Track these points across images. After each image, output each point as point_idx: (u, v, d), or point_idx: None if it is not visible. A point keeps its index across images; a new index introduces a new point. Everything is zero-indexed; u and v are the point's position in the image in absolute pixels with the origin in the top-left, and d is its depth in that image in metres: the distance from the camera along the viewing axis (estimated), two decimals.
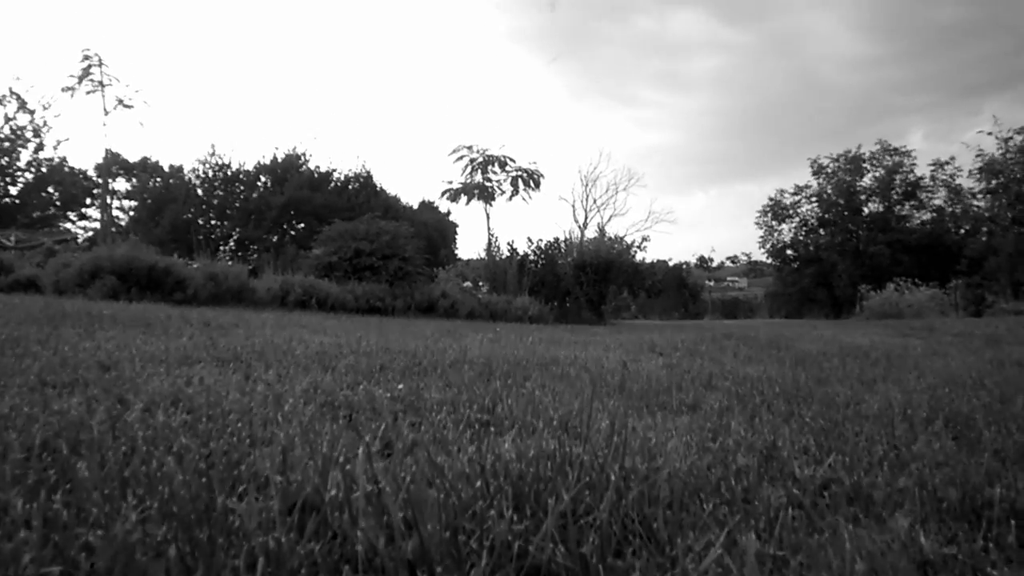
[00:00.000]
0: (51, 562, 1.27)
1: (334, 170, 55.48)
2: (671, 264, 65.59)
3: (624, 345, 7.41)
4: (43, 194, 44.44)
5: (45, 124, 41.70)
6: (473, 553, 1.42)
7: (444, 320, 8.68)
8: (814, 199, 34.69)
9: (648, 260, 56.57)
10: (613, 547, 1.57)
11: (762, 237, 36.22)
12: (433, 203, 74.06)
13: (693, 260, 69.63)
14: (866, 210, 33.09)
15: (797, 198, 35.37)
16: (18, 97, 39.63)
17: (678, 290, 48.16)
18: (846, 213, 33.11)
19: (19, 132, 39.91)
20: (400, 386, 3.66)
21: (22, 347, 4.32)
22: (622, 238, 42.09)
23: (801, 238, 34.23)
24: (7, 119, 39.17)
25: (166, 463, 1.84)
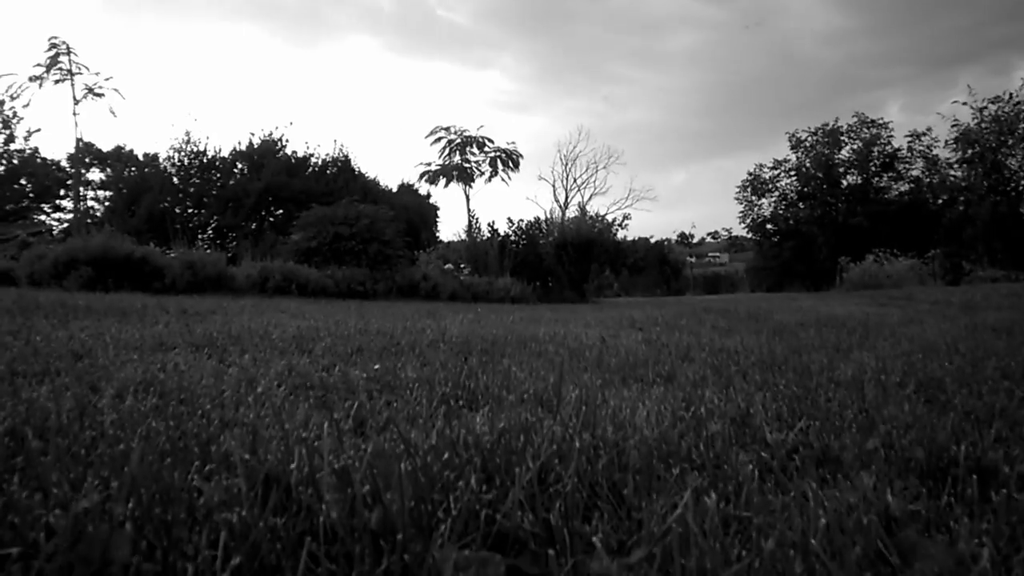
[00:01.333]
0: (11, 543, 1.26)
1: (312, 155, 55.02)
2: (652, 241, 65.94)
3: (604, 322, 7.44)
4: (15, 186, 43.80)
5: (15, 115, 41.09)
6: (440, 522, 1.42)
7: (425, 302, 8.65)
8: (793, 173, 34.83)
9: (630, 238, 56.92)
10: (581, 513, 1.58)
11: (742, 212, 36.37)
12: (413, 186, 73.59)
13: (674, 237, 69.91)
14: (845, 183, 33.27)
15: (776, 172, 35.53)
16: None
17: (660, 267, 48.36)
18: (825, 186, 33.28)
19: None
20: (376, 366, 3.66)
21: None
22: (603, 216, 42.08)
23: (781, 212, 34.38)
24: None
25: (132, 445, 1.83)
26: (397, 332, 5.35)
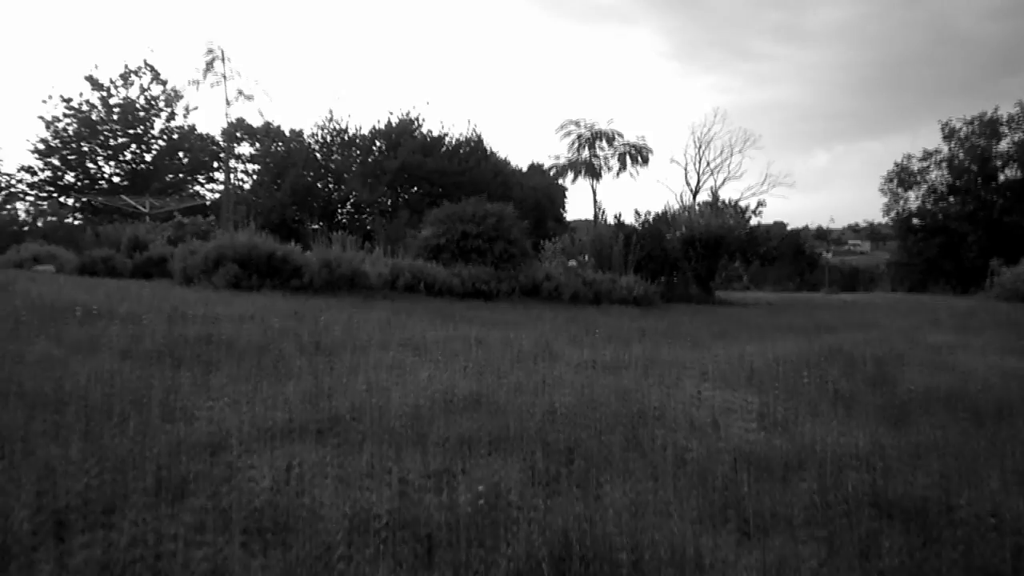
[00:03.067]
0: None
1: (446, 134, 56.16)
2: (788, 229, 63.38)
3: (718, 368, 7.19)
4: (174, 161, 46.89)
5: (176, 94, 43.96)
6: None
7: (546, 305, 8.70)
8: (944, 165, 32.73)
9: (763, 224, 54.66)
10: None
11: (887, 204, 34.56)
12: (543, 166, 74.06)
13: (812, 227, 66.64)
14: (1002, 177, 30.97)
15: (926, 164, 33.47)
16: (152, 68, 41.89)
17: (794, 257, 46.57)
18: (980, 180, 31.10)
19: (153, 102, 42.23)
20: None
21: (115, 422, 4.67)
22: (736, 203, 41.38)
23: (929, 207, 32.40)
24: (143, 90, 41.51)
25: None
26: (502, 400, 5.43)
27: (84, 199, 30.12)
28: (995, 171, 31.37)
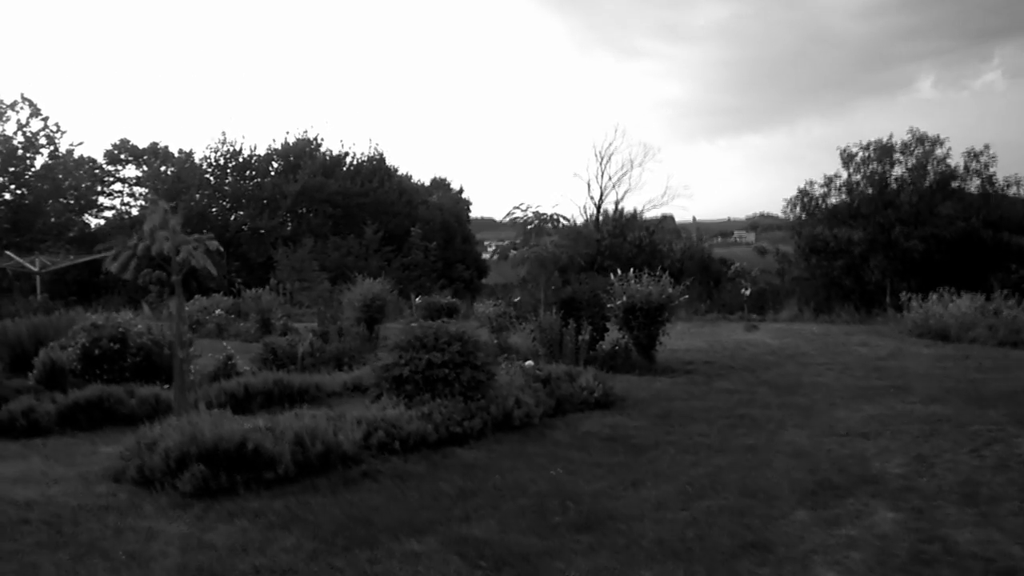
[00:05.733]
0: None
1: (347, 153, 54.73)
2: (689, 239, 64.38)
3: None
4: (59, 201, 43.46)
5: (59, 129, 40.81)
6: None
7: (523, 448, 7.75)
8: (843, 189, 33.93)
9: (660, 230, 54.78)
10: None
11: (792, 228, 35.54)
12: (446, 180, 73.32)
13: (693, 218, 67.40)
14: (898, 202, 32.29)
15: (825, 190, 34.63)
16: (31, 103, 38.81)
17: (700, 273, 46.95)
18: (878, 205, 32.35)
19: (33, 138, 39.16)
20: None
21: None
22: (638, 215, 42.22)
23: (831, 230, 33.49)
24: (20, 125, 38.43)
25: None
26: None
27: None
28: (893, 196, 32.68)
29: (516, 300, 19.29)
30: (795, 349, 18.75)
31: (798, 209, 35.06)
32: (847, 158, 34.36)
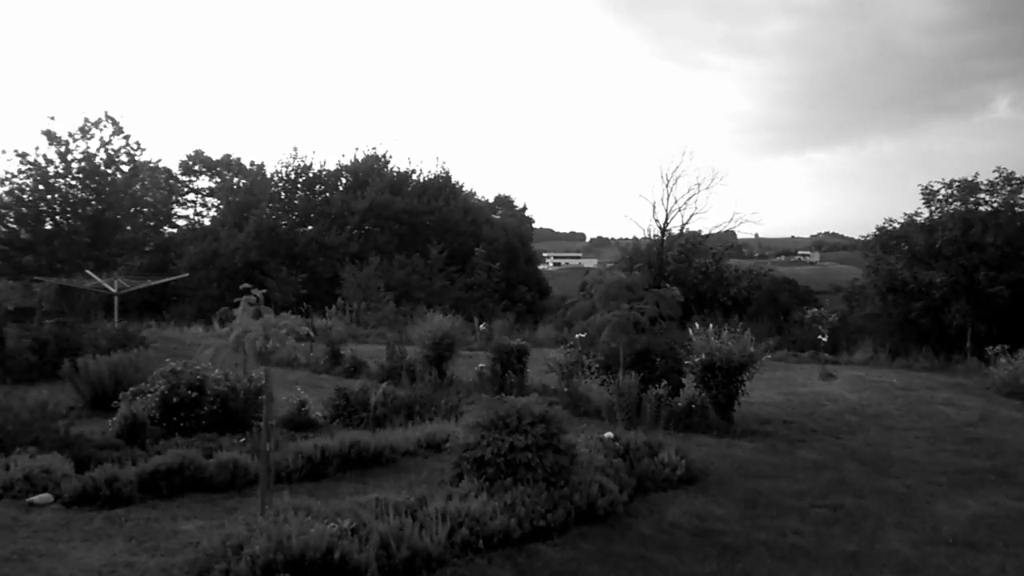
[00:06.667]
0: None
1: (413, 171, 55.17)
2: (757, 269, 62.61)
3: None
4: (137, 213, 44.66)
5: (139, 147, 42.01)
6: None
7: (609, 552, 7.42)
8: (924, 229, 32.69)
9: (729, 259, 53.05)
10: None
11: (869, 267, 34.39)
12: (509, 197, 73.48)
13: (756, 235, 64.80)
14: (983, 244, 30.95)
15: (907, 229, 33.41)
16: (113, 121, 40.05)
17: (768, 304, 45.59)
18: (961, 247, 31.07)
19: (114, 155, 40.37)
20: None
21: None
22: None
23: (911, 271, 32.27)
24: (103, 143, 39.67)
25: None
26: None
27: (39, 279, 28.39)
28: (977, 237, 31.36)
29: (580, 335, 19.03)
30: (877, 407, 18.00)
31: (878, 248, 33.97)
32: (929, 195, 33.15)
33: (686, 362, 14.81)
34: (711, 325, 15.94)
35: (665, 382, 14.15)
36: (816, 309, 30.73)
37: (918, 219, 33.14)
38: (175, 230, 53.47)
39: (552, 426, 8.49)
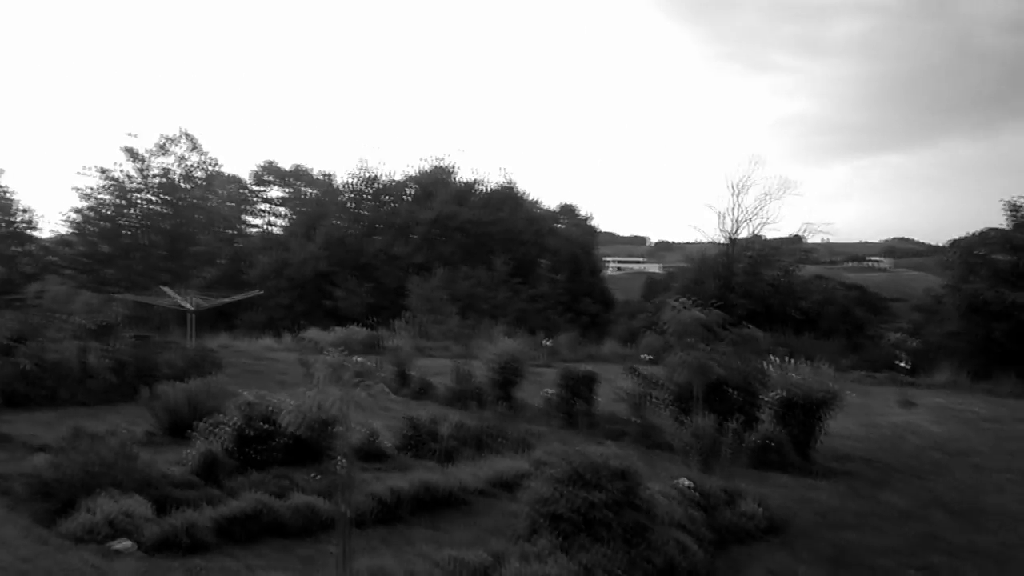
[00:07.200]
0: None
1: (477, 181, 55.23)
2: (825, 276, 60.73)
3: None
4: (212, 228, 45.83)
5: (216, 163, 43.20)
6: None
7: None
8: (1008, 246, 31.33)
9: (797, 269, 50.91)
10: None
11: (948, 284, 33.16)
12: (573, 206, 72.94)
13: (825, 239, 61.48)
14: None
15: (989, 244, 32.12)
16: (189, 137, 41.27)
17: (841, 319, 44.07)
18: None
19: (191, 170, 41.56)
20: None
21: None
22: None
23: (995, 292, 30.93)
24: (180, 159, 40.92)
25: None
26: None
27: (118, 292, 29.37)
28: None
29: (646, 356, 18.57)
30: (963, 442, 17.25)
31: (958, 264, 32.72)
32: (1013, 210, 31.81)
33: (762, 397, 14.40)
34: (789, 359, 15.51)
35: (740, 415, 13.76)
36: (897, 334, 29.51)
37: (997, 231, 31.85)
38: (246, 240, 54.65)
39: (631, 482, 8.27)
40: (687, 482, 10.23)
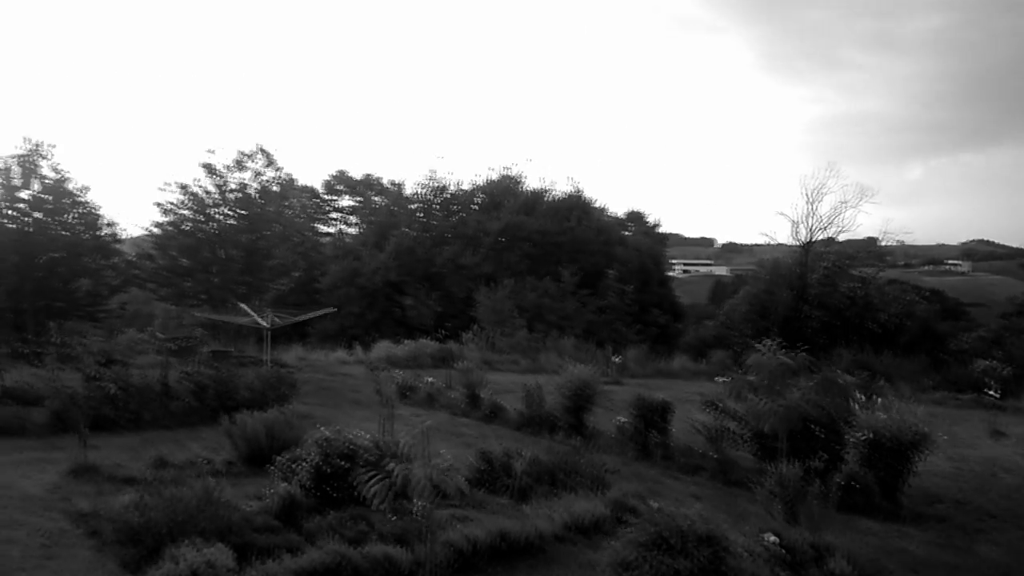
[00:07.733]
0: None
1: (545, 190, 55.01)
2: (901, 281, 58.33)
3: None
4: (288, 241, 46.70)
5: (292, 179, 44.12)
6: None
7: None
8: None
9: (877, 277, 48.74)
10: None
11: None
12: (641, 213, 72.09)
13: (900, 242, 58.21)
14: None
15: None
16: (265, 152, 42.19)
17: (922, 335, 42.42)
18: None
19: (267, 186, 42.50)
20: None
21: None
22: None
23: None
24: (256, 174, 41.91)
25: None
26: None
27: (196, 305, 30.20)
28: None
29: (722, 380, 18.12)
30: None
31: None
32: None
33: (847, 437, 13.87)
34: (871, 380, 14.96)
35: (823, 454, 13.27)
36: (988, 362, 28.10)
37: None
38: (319, 249, 55.61)
39: (717, 548, 7.99)
40: (773, 538, 9.87)
